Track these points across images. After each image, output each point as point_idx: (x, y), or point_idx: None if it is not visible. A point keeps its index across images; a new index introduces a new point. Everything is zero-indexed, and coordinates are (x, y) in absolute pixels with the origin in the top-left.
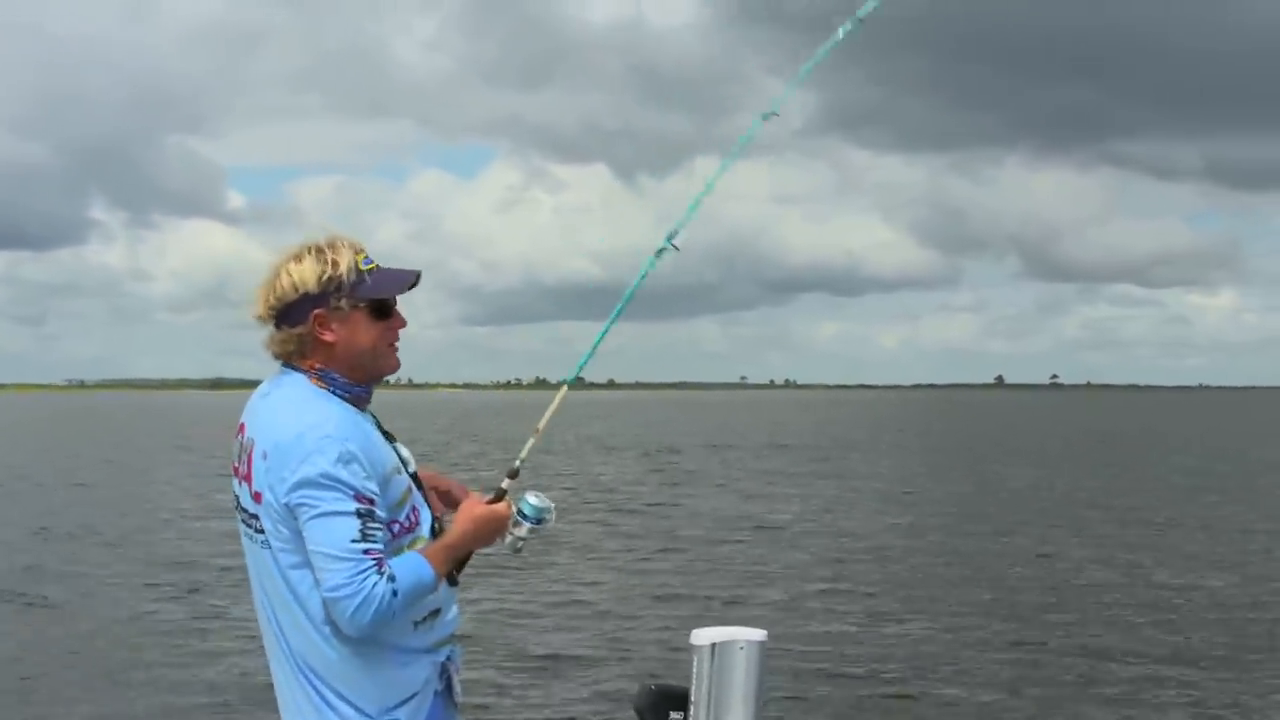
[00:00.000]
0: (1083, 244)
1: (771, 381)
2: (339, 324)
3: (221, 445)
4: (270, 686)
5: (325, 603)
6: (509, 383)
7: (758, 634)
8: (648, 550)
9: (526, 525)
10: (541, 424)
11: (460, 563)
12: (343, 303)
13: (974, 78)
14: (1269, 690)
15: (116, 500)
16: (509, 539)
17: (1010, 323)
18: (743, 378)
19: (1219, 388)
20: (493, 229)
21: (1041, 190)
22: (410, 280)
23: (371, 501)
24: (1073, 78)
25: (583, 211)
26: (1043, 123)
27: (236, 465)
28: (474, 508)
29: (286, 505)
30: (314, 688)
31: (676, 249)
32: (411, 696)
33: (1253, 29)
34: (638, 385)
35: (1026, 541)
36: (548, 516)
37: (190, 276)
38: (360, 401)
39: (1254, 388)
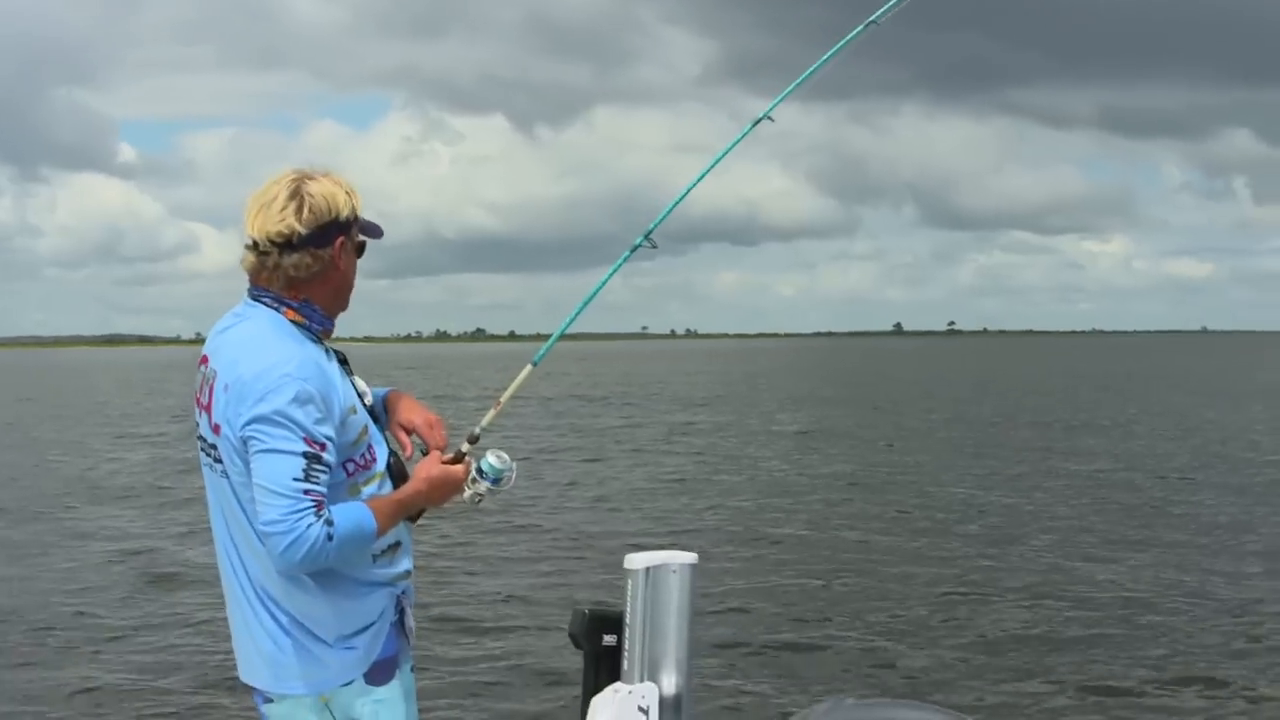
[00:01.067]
0: (978, 192)
1: (673, 331)
2: (345, 256)
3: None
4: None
5: (259, 535)
6: (409, 335)
7: (689, 557)
8: (579, 488)
9: (486, 483)
10: (503, 398)
11: (417, 513)
12: (353, 234)
13: (868, 38)
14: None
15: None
16: (468, 494)
17: (908, 270)
18: (644, 328)
19: (1111, 332)
20: (390, 181)
21: (938, 139)
22: (380, 230)
23: (322, 446)
24: (968, 27)
25: (481, 163)
26: (940, 72)
27: (199, 396)
28: (430, 468)
29: (242, 438)
30: (271, 614)
31: (654, 245)
32: (368, 626)
33: None
34: (538, 336)
35: (929, 478)
36: (507, 476)
37: (81, 231)
38: (329, 335)
39: (1144, 332)
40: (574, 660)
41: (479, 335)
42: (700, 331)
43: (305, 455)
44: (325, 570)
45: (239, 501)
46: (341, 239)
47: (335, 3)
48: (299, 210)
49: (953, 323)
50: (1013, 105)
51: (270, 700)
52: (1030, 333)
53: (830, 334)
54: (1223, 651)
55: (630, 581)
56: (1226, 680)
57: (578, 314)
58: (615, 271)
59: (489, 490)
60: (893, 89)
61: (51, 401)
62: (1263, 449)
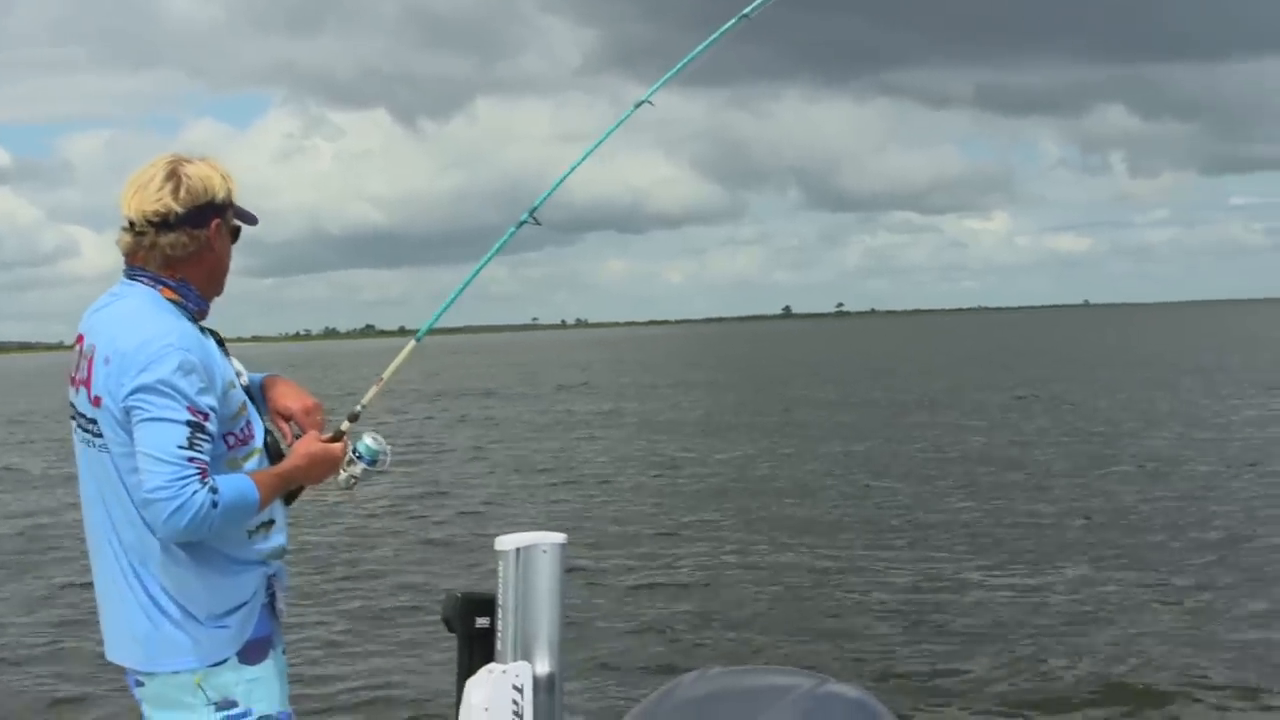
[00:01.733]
0: (861, 174)
1: (563, 321)
2: (220, 238)
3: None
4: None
5: (142, 503)
6: (298, 334)
7: (558, 537)
8: (456, 475)
9: (361, 465)
10: (386, 374)
11: (293, 493)
12: (229, 217)
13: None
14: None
15: None
16: (343, 475)
17: (795, 254)
18: (534, 319)
19: (996, 308)
20: (272, 178)
21: (820, 122)
22: (255, 218)
23: (205, 416)
24: (846, 10)
25: (364, 158)
26: (819, 55)
27: (74, 374)
28: (310, 445)
29: (125, 409)
30: (146, 591)
31: (538, 223)
32: (241, 605)
33: None
34: (430, 331)
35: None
36: (383, 458)
37: None
38: (204, 315)
39: (1028, 307)
40: (449, 644)
41: (369, 331)
42: (590, 321)
43: (189, 424)
44: (199, 546)
45: (119, 474)
46: (217, 221)
47: (209, 0)
48: (175, 190)
49: (841, 304)
50: (892, 86)
51: (141, 681)
52: (918, 311)
53: (720, 319)
54: (1078, 622)
55: (501, 563)
56: (1099, 651)
57: (461, 290)
58: (497, 250)
59: (364, 472)
60: (773, 73)
61: None
62: (1134, 422)
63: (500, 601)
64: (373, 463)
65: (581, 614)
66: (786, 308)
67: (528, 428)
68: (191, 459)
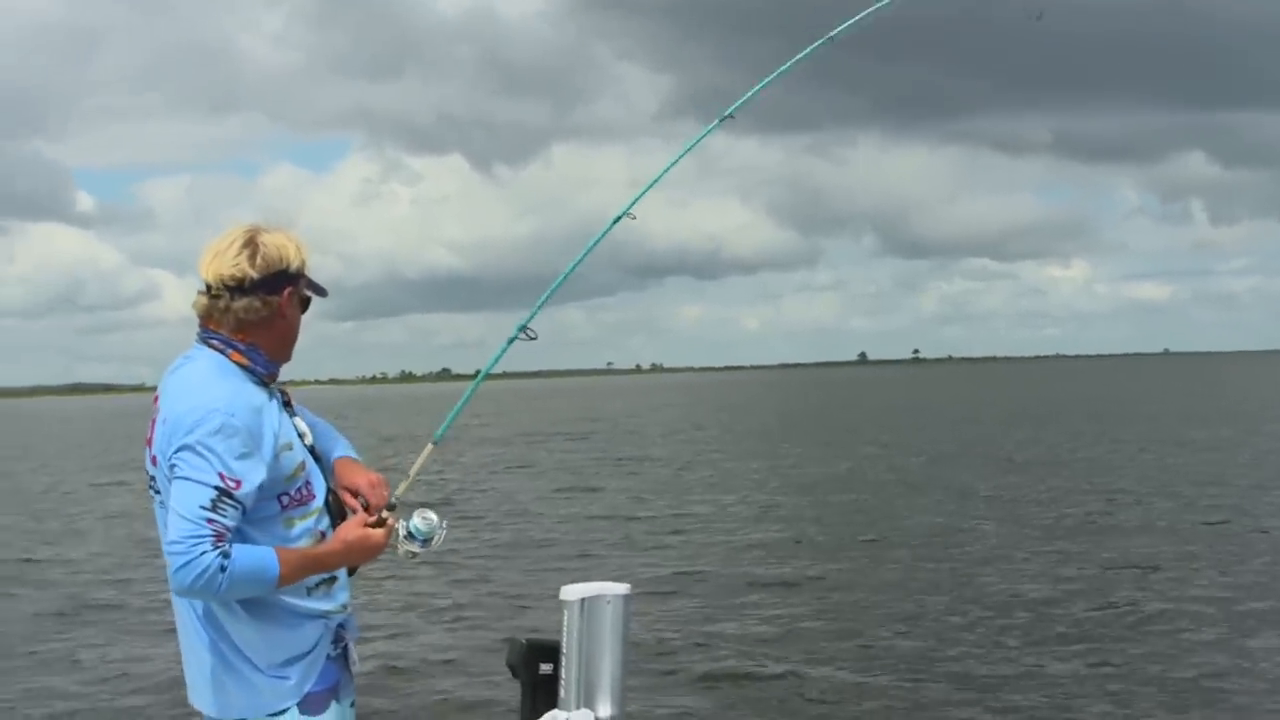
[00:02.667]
0: (936, 220)
1: (638, 366)
2: (291, 306)
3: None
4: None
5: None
6: (374, 377)
7: (622, 588)
8: (520, 521)
9: (417, 544)
10: (412, 472)
11: (351, 569)
12: (301, 286)
13: (824, 59)
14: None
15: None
16: (401, 552)
17: (870, 300)
18: (609, 363)
19: (1075, 356)
20: (350, 223)
21: (894, 169)
22: (325, 290)
23: (237, 484)
24: (919, 59)
25: (440, 203)
26: (894, 103)
27: (148, 434)
28: (350, 531)
29: (170, 466)
30: (212, 640)
31: (633, 218)
32: (301, 656)
33: (1092, 5)
34: (505, 375)
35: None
36: (436, 535)
37: (40, 281)
38: (273, 379)
39: (1107, 355)
40: (513, 690)
41: (444, 375)
42: (666, 365)
43: (216, 489)
44: (259, 600)
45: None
46: (290, 289)
47: (289, 46)
48: (252, 257)
49: (917, 350)
50: (965, 133)
51: None
52: (994, 359)
53: (796, 365)
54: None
55: (566, 612)
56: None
57: (470, 395)
58: (495, 362)
59: (421, 550)
60: (848, 120)
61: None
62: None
63: (564, 650)
64: (426, 541)
65: (647, 665)
66: (862, 354)
67: (597, 473)
68: (210, 520)
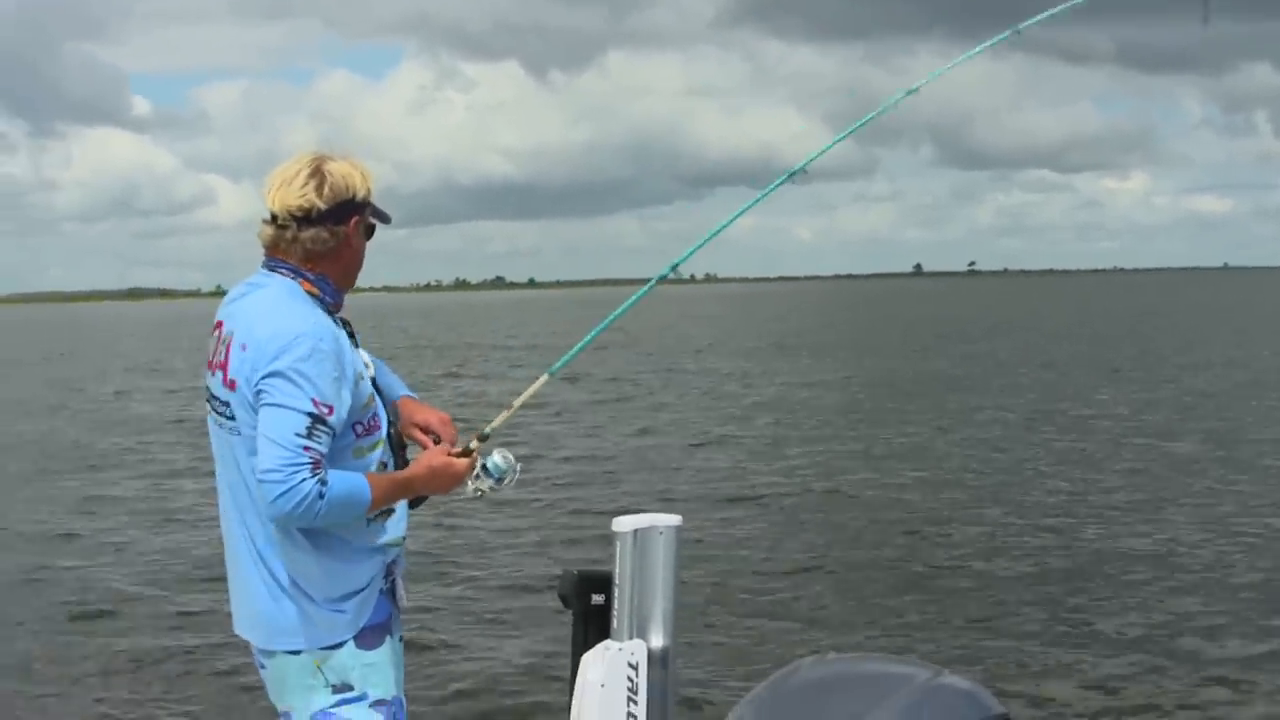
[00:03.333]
0: (996, 131)
1: (692, 276)
2: (357, 235)
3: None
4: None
5: (256, 483)
6: (429, 285)
7: (674, 519)
8: (569, 449)
9: (490, 481)
10: (516, 403)
11: (417, 500)
12: (367, 215)
13: None
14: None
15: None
16: (470, 488)
17: (927, 211)
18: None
19: (1133, 270)
20: (405, 130)
21: (955, 77)
22: (389, 217)
23: (329, 409)
24: None
25: (496, 109)
26: (955, 8)
27: (211, 358)
28: (435, 457)
29: (255, 392)
30: (268, 569)
31: (677, 275)
32: (358, 591)
33: None
34: (558, 284)
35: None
36: (510, 476)
37: (97, 185)
38: (339, 308)
39: (1166, 269)
40: (564, 620)
41: (499, 283)
42: (720, 276)
43: (310, 415)
44: (319, 532)
45: (248, 456)
46: (356, 218)
47: None
48: (319, 187)
49: (973, 263)
50: (1030, 42)
51: (264, 663)
52: (1051, 272)
53: (850, 276)
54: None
55: (619, 543)
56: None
57: (601, 329)
58: (636, 301)
59: (491, 488)
60: (907, 28)
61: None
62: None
63: (617, 581)
64: (500, 480)
65: (698, 595)
66: (918, 266)
67: (650, 395)
68: (307, 448)
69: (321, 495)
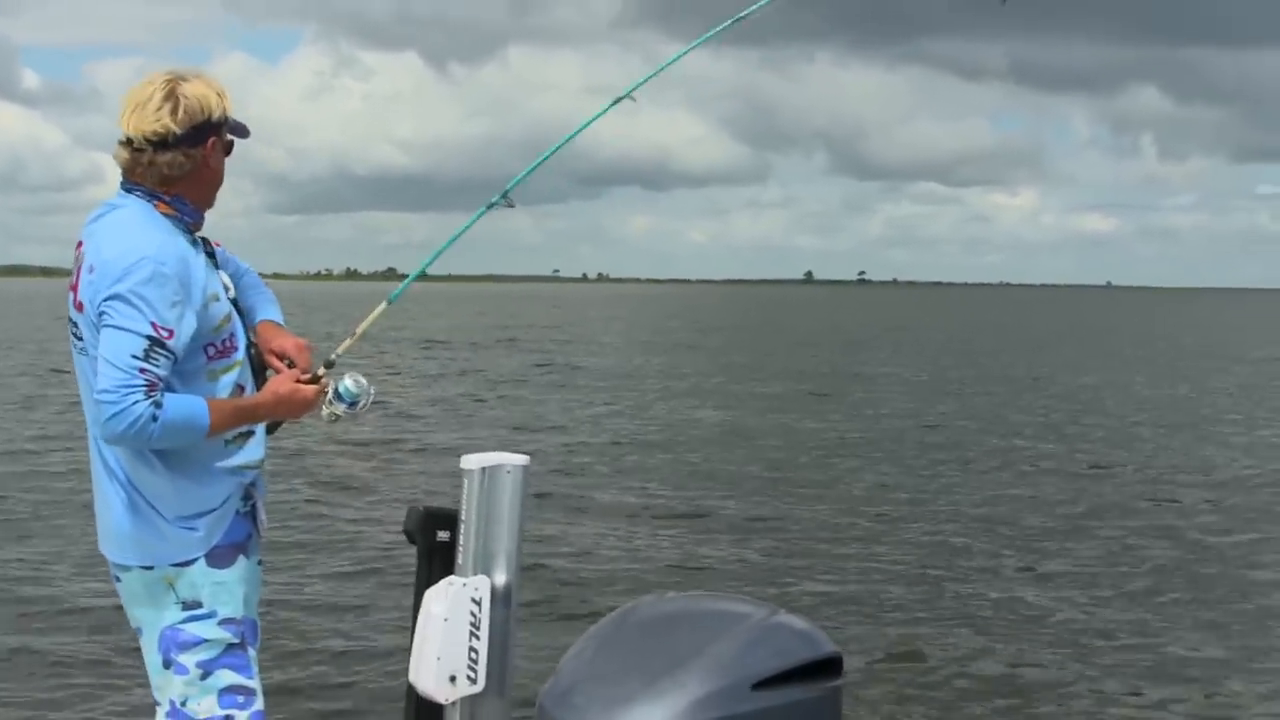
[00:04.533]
0: (889, 142)
1: (584, 275)
2: (215, 155)
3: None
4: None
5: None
6: (319, 273)
7: (521, 459)
8: (427, 407)
9: (343, 405)
10: (359, 329)
11: (273, 426)
12: (224, 134)
13: None
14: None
15: None
16: (325, 413)
17: (818, 219)
18: (555, 271)
19: (1018, 285)
20: (300, 116)
21: (850, 88)
22: (247, 130)
23: (169, 333)
24: None
25: (393, 100)
26: (853, 17)
27: (72, 281)
28: (281, 384)
29: (98, 313)
30: (122, 486)
31: (510, 204)
32: (210, 510)
33: None
34: (449, 277)
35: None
36: (363, 399)
37: None
38: (198, 227)
39: (1050, 285)
40: (409, 556)
41: (390, 274)
42: (612, 276)
43: (148, 339)
44: (171, 452)
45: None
46: (213, 139)
47: None
48: (174, 111)
49: (863, 272)
50: (925, 55)
51: (119, 576)
52: (939, 284)
53: (742, 281)
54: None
55: (466, 480)
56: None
57: (434, 257)
58: (470, 225)
59: (345, 412)
60: (806, 35)
61: None
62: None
63: (463, 517)
64: (353, 404)
65: (546, 538)
66: (808, 273)
67: (522, 377)
68: (143, 369)
69: (155, 418)
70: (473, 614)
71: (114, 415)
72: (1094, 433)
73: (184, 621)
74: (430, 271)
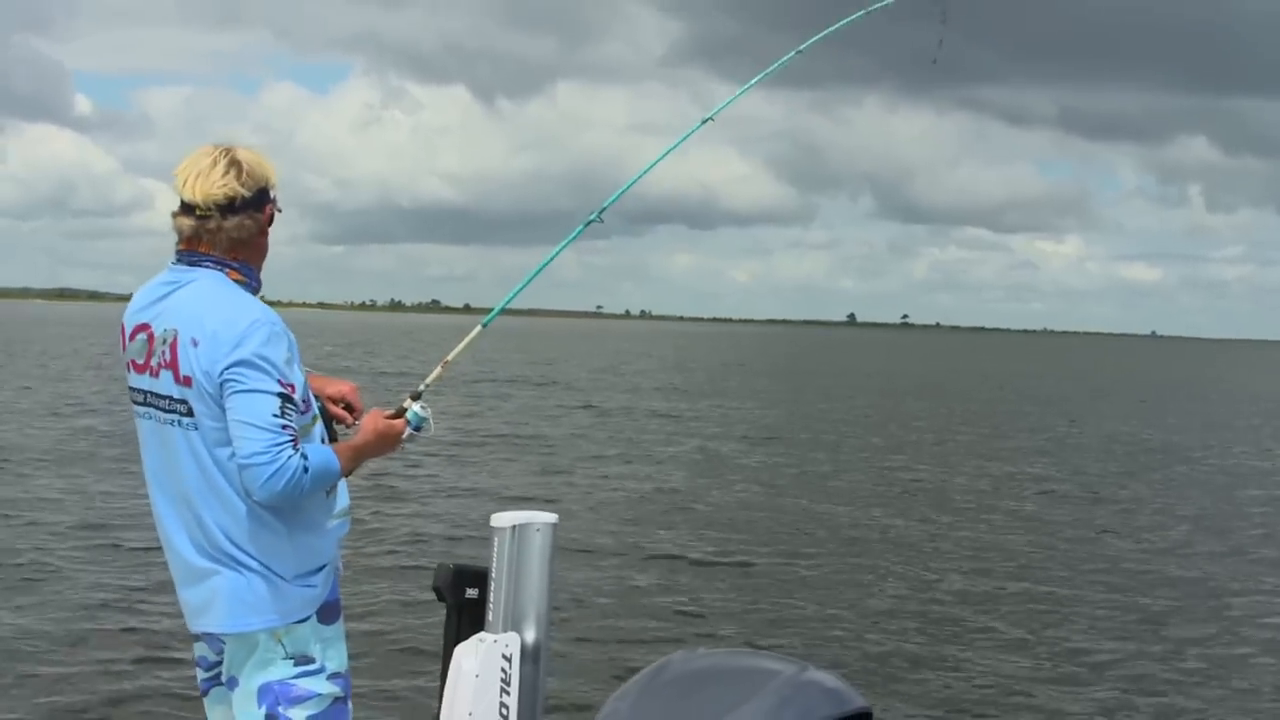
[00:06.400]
0: (936, 187)
1: (627, 312)
2: (268, 222)
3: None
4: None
5: (239, 470)
6: (364, 304)
7: (550, 517)
8: (471, 454)
9: (409, 430)
10: (450, 356)
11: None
12: (276, 202)
13: (835, 14)
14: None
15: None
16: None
17: (862, 262)
18: (599, 307)
19: (1062, 332)
20: (347, 147)
21: (898, 131)
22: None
23: (292, 387)
24: (932, 19)
25: (440, 133)
26: (904, 64)
27: (145, 361)
28: (378, 421)
29: (220, 383)
30: (235, 554)
31: (603, 222)
32: (324, 565)
33: None
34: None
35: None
36: (426, 426)
37: (33, 182)
38: (257, 293)
39: (1094, 333)
40: (438, 613)
41: (434, 306)
42: (654, 313)
43: (280, 395)
44: (287, 510)
45: (209, 450)
46: (269, 205)
47: None
48: (239, 175)
49: (906, 316)
50: (974, 101)
51: (221, 647)
52: (982, 329)
53: (784, 321)
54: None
55: (496, 539)
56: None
57: (528, 282)
58: (567, 245)
59: (410, 435)
60: (856, 79)
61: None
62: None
63: (493, 575)
64: (419, 428)
65: (575, 594)
66: (851, 315)
67: (560, 414)
68: (285, 426)
69: (306, 470)
70: (503, 670)
71: (274, 474)
72: (1142, 484)
73: (296, 677)
74: (475, 305)
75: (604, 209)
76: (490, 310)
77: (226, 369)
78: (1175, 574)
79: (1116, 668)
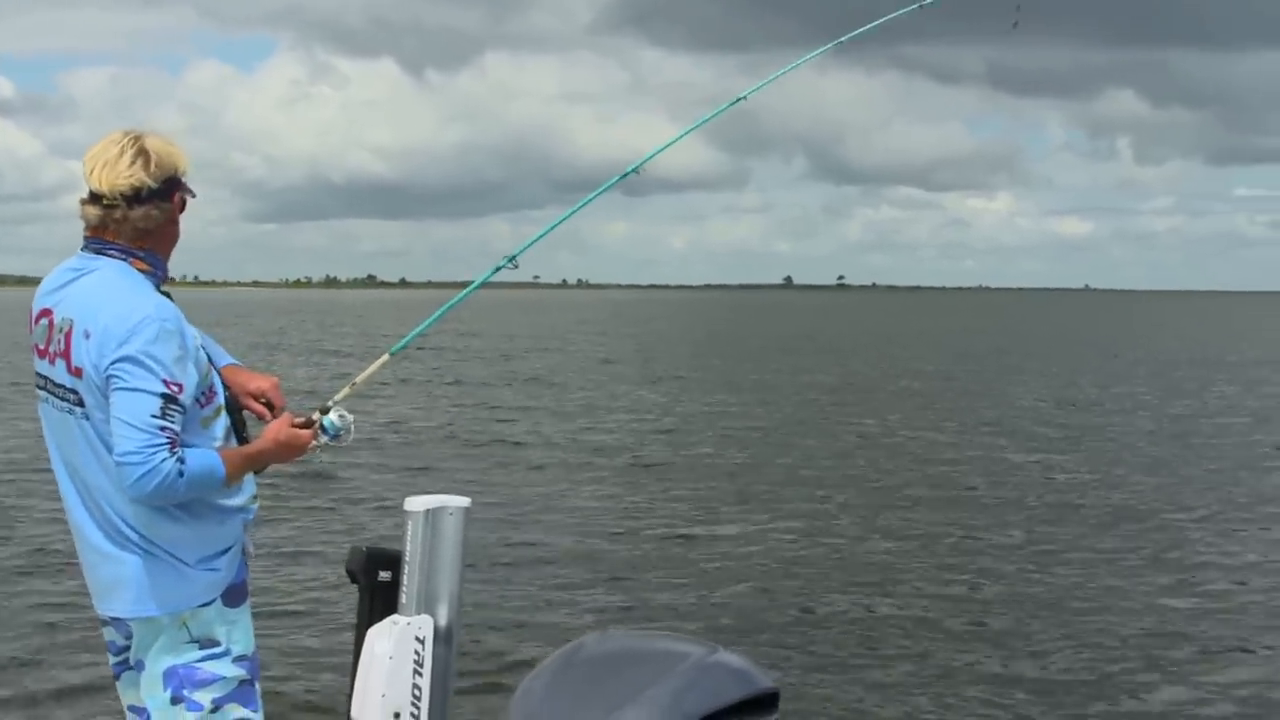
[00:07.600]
0: (868, 147)
1: (564, 281)
2: (179, 210)
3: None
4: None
5: (115, 466)
6: (298, 281)
7: (464, 501)
8: (387, 436)
9: (325, 438)
10: (359, 379)
11: (262, 467)
12: (186, 190)
13: None
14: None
15: None
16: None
17: (796, 224)
18: (536, 277)
19: (996, 288)
20: (276, 124)
21: (829, 93)
22: (194, 192)
23: (179, 388)
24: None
25: (369, 107)
26: (833, 25)
27: (45, 346)
28: (281, 430)
29: (105, 377)
30: (137, 542)
31: (515, 267)
32: (228, 549)
33: None
34: (429, 284)
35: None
36: (344, 435)
37: None
38: (164, 282)
39: (1028, 289)
40: (351, 596)
41: (370, 281)
42: (591, 282)
43: (163, 396)
44: (189, 500)
45: (102, 440)
46: (178, 194)
47: None
48: (146, 165)
49: (842, 277)
50: (903, 59)
51: (130, 631)
52: (918, 288)
53: (720, 286)
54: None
55: (410, 522)
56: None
57: (439, 316)
58: (476, 287)
59: (326, 444)
60: (786, 41)
61: None
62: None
63: (407, 558)
64: (335, 437)
65: (489, 575)
66: (787, 278)
67: (488, 390)
68: (163, 428)
69: (181, 474)
70: (416, 652)
71: (143, 475)
72: (1063, 441)
73: (201, 660)
74: (412, 279)
75: (515, 256)
76: (429, 287)
77: (112, 364)
78: (1095, 505)
79: (1046, 629)
